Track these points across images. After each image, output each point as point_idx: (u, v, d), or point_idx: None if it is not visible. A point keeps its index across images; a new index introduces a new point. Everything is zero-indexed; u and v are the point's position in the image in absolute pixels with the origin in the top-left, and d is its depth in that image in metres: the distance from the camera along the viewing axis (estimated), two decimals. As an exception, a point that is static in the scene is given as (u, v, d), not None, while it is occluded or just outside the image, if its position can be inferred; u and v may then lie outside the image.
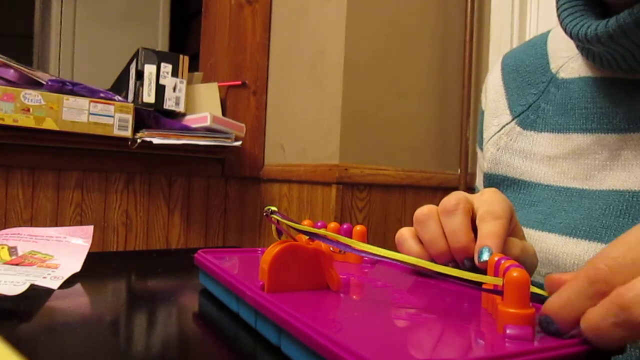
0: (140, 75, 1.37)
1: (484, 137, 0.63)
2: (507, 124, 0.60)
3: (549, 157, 0.54)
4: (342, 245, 0.37)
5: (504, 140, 0.59)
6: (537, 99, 0.57)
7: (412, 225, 0.45)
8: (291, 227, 0.39)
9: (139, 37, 2.26)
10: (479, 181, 0.67)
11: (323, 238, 0.37)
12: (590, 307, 0.26)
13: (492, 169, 0.60)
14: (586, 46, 0.48)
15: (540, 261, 0.49)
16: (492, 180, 0.60)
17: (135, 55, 1.40)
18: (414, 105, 1.44)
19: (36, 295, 0.45)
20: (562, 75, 0.56)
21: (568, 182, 0.51)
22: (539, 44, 0.61)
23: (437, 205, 0.43)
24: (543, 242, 0.50)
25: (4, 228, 0.67)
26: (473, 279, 0.33)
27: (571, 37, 0.48)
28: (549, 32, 0.61)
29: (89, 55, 2.30)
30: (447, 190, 1.47)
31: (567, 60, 0.56)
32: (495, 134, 0.60)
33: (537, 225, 0.52)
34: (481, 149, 0.65)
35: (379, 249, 0.35)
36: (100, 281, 0.55)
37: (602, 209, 0.47)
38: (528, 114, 0.57)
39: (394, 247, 0.41)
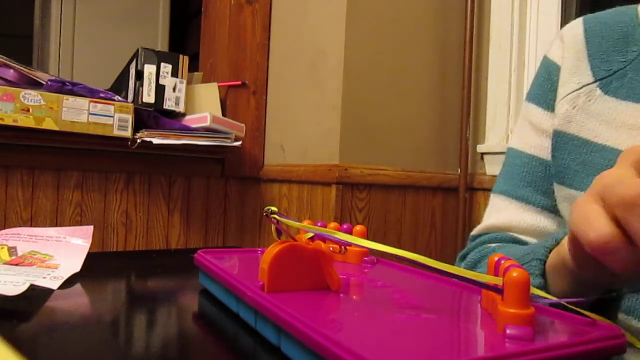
0: (140, 75, 1.37)
1: (558, 93, 0.61)
2: (587, 84, 0.58)
3: (630, 126, 0.52)
4: (345, 241, 0.37)
5: (582, 100, 0.57)
6: (624, 67, 0.56)
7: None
8: (293, 226, 0.39)
9: (139, 37, 2.26)
10: (516, 141, 0.65)
11: (329, 236, 0.37)
12: None
13: (563, 127, 0.58)
14: None
15: None
16: (561, 139, 0.58)
17: (135, 55, 1.40)
18: (414, 105, 1.44)
19: (36, 295, 0.45)
20: None
21: None
22: (629, 12, 0.59)
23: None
24: None
25: (4, 228, 0.67)
26: (473, 278, 0.33)
27: None
28: (638, 4, 0.60)
29: (89, 55, 2.30)
30: (447, 190, 1.47)
31: None
32: (573, 91, 0.59)
33: None
34: (537, 104, 0.63)
35: (382, 245, 0.35)
36: (100, 281, 0.55)
37: None
38: (611, 80, 0.56)
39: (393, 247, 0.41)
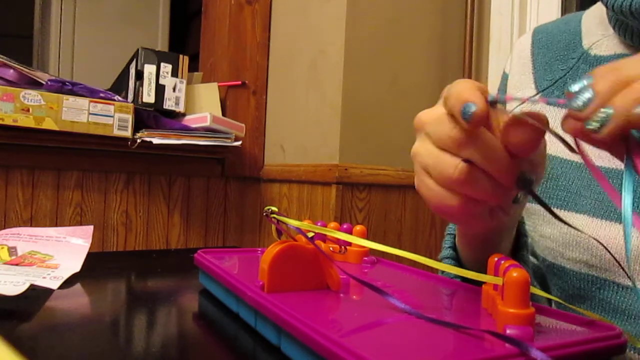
0: (140, 75, 1.37)
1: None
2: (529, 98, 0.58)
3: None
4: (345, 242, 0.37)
5: None
6: (564, 75, 0.56)
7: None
8: (296, 227, 0.39)
9: (139, 37, 2.26)
10: None
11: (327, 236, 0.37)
12: None
13: None
14: (621, 18, 0.47)
15: (567, 243, 0.48)
16: None
17: (135, 55, 1.40)
18: (414, 105, 1.44)
19: (36, 295, 0.45)
20: (595, 52, 0.53)
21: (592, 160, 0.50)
22: (573, 21, 0.59)
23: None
24: (569, 222, 0.49)
25: (4, 228, 0.67)
26: (473, 278, 0.33)
27: (606, 6, 0.47)
28: (584, 11, 0.60)
29: (89, 55, 2.30)
30: (447, 190, 1.47)
31: (601, 38, 0.54)
32: (516, 107, 0.58)
33: (561, 204, 0.50)
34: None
35: (382, 245, 0.35)
36: (100, 281, 0.55)
37: (637, 192, 0.45)
38: (553, 90, 0.56)
39: (393, 247, 0.41)
